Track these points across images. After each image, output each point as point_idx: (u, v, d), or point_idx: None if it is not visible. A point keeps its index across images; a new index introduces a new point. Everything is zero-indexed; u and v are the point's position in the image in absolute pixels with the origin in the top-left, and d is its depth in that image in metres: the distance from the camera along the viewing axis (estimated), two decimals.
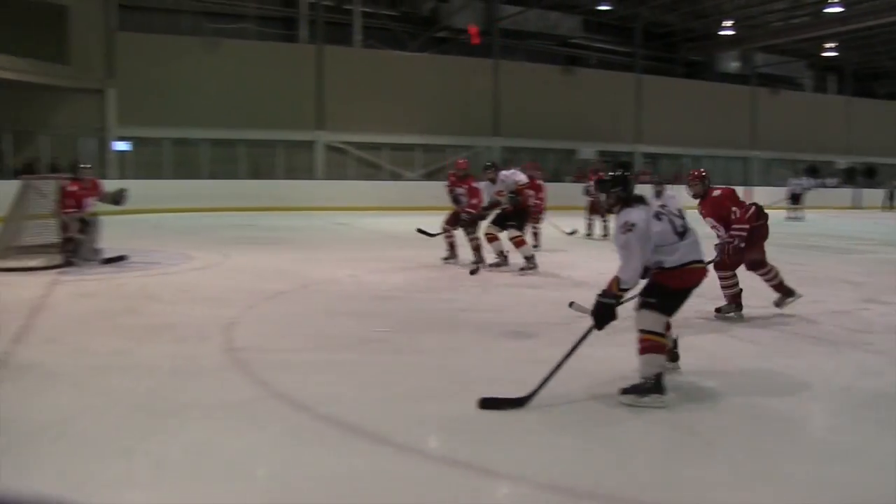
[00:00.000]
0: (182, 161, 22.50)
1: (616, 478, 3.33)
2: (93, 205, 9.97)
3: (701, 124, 30.96)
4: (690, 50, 33.13)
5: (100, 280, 8.56)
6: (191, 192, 20.57)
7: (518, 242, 9.60)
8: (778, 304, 6.82)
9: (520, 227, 9.69)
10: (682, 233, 4.30)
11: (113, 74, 22.26)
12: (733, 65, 34.68)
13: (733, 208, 6.58)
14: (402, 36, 27.19)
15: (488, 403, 4.06)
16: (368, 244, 13.22)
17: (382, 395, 4.41)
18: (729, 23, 29.56)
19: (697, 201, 6.86)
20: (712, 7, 29.55)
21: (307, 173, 24.19)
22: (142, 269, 9.40)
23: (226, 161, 21.33)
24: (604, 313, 4.16)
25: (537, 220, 12.01)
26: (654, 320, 4.21)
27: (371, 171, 25.51)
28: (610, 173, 4.48)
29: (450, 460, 3.51)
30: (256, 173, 23.12)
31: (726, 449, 3.71)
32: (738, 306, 6.64)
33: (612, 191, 4.35)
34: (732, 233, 6.44)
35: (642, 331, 4.22)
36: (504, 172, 9.85)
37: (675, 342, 4.75)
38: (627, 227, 4.16)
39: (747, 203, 6.77)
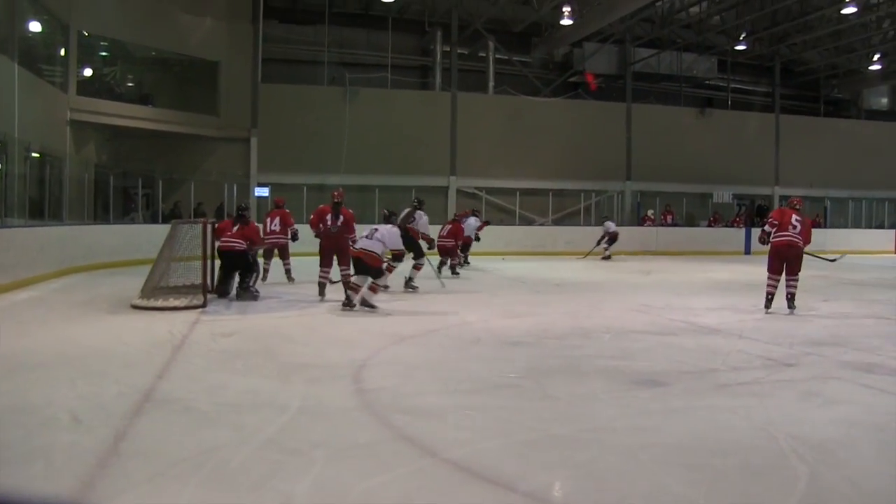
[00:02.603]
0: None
1: None
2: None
3: (845, 165, 29.47)
4: (833, 87, 31.81)
5: (237, 320, 8.92)
6: None
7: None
8: None
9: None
10: None
11: (256, 124, 23.38)
12: (882, 101, 32.99)
13: None
14: (534, 82, 27.34)
15: None
16: (498, 289, 13.21)
17: (509, 441, 4.37)
18: (877, 57, 28.33)
19: None
20: (859, 42, 28.34)
21: (440, 218, 24.47)
22: (277, 311, 9.75)
23: (361, 206, 21.77)
24: None
25: None
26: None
27: (503, 217, 25.61)
28: None
29: None
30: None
31: None
32: None
33: None
34: None
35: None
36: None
37: None
38: None
39: None
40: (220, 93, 22.78)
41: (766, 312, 9.74)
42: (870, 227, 29.44)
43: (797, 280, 9.84)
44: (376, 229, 9.98)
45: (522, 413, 4.97)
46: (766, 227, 10.09)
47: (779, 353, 7.06)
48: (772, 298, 9.84)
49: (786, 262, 9.77)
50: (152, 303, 9.73)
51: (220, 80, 22.73)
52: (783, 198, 29.64)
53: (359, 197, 22.73)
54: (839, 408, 5.20)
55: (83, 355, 6.66)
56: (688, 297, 11.97)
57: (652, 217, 26.47)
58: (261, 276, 11.48)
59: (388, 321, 9.00)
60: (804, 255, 10.07)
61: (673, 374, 6.18)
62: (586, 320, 9.33)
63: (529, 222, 25.82)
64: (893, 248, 27.55)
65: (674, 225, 26.69)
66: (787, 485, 3.69)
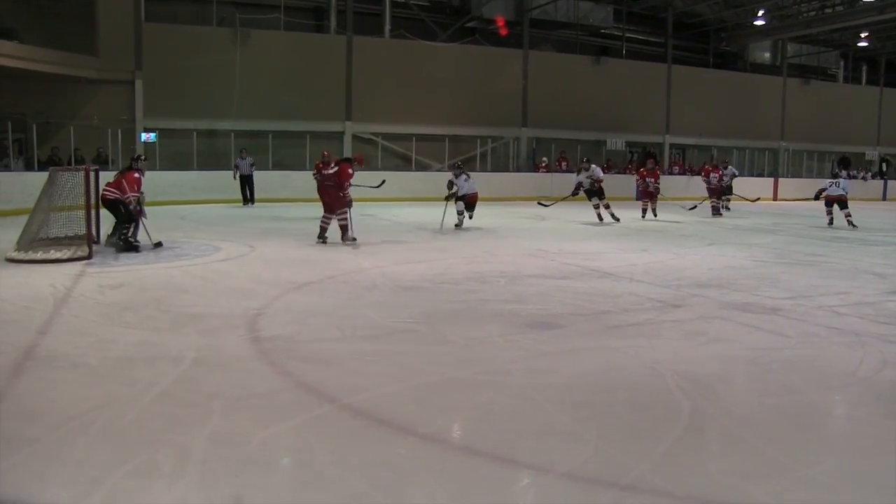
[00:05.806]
0: (210, 152, 22.56)
1: (639, 468, 3.28)
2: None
3: (730, 115, 30.66)
4: (722, 40, 32.61)
5: (126, 272, 8.61)
6: (218, 183, 20.64)
7: None
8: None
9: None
10: None
11: (141, 66, 22.35)
12: (765, 55, 34.12)
13: None
14: (431, 26, 27.07)
15: None
16: (394, 235, 13.18)
17: (406, 386, 4.40)
18: (761, 13, 29.25)
19: None
20: None
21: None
22: (169, 261, 9.47)
23: (254, 152, 21.26)
24: None
25: None
26: None
27: (399, 162, 25.48)
28: None
29: (473, 451, 3.49)
30: (285, 165, 23.10)
31: (749, 441, 3.64)
32: None
33: None
34: None
35: None
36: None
37: None
38: None
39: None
40: (99, 31, 21.50)
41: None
42: (752, 176, 30.60)
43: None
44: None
45: (420, 357, 5.01)
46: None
47: (667, 295, 7.30)
48: None
49: None
50: (31, 255, 9.23)
51: (97, 17, 21.40)
52: (673, 146, 30.51)
53: (252, 143, 22.22)
54: (719, 345, 5.46)
55: None
56: (581, 242, 12.21)
57: (545, 165, 26.78)
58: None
59: (283, 269, 8.87)
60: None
61: (566, 316, 6.32)
62: (482, 265, 9.41)
63: (425, 168, 25.75)
64: (772, 196, 28.74)
65: (568, 171, 27.03)
66: (671, 418, 3.86)
